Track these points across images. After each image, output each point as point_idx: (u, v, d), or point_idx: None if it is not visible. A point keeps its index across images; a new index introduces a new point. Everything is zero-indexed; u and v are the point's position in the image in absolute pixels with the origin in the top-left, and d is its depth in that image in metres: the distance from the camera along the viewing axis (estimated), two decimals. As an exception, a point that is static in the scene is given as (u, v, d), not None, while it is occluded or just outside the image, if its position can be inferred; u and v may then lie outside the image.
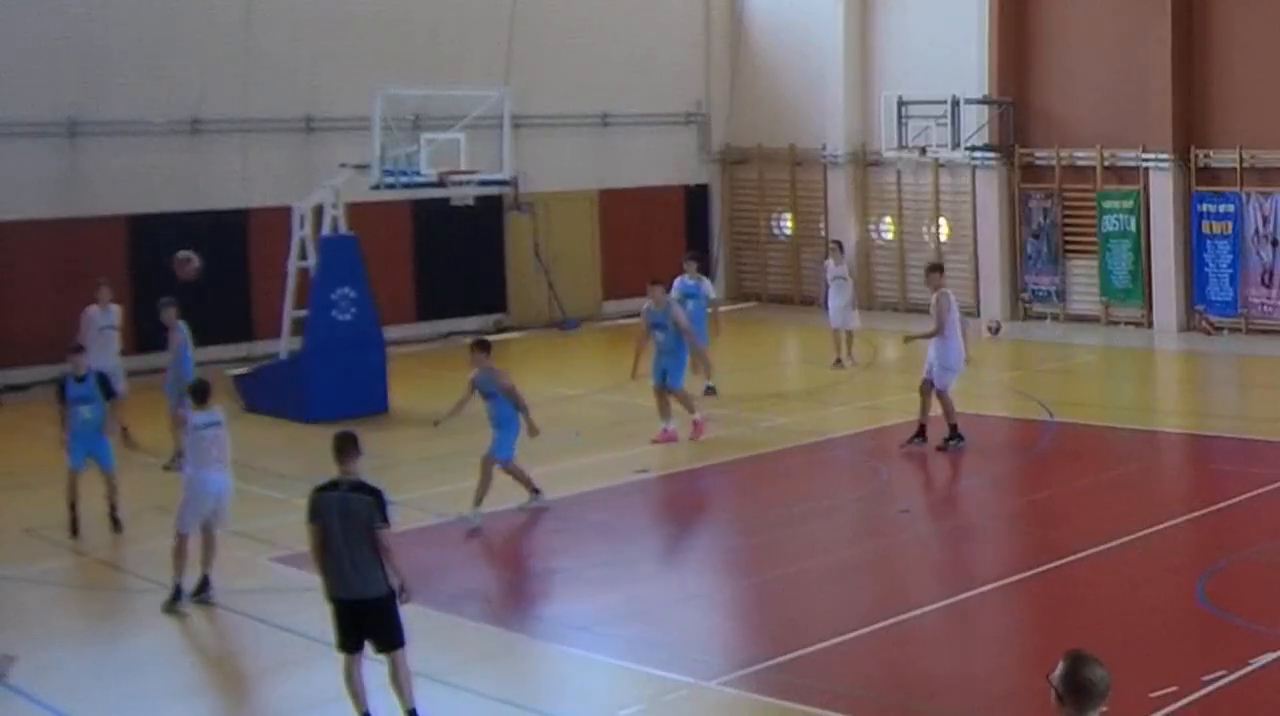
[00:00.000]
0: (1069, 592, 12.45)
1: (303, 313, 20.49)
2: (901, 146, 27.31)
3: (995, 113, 27.29)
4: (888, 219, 29.54)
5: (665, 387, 17.99)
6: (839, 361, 23.06)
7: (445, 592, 12.28)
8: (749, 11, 30.87)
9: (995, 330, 26.32)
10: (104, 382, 15.08)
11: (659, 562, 13.75)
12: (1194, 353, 24.50)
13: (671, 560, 13.79)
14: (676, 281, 20.79)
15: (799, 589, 12.74)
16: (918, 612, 11.77)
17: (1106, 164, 26.35)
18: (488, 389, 14.77)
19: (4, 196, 22.01)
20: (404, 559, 9.70)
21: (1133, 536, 13.56)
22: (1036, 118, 27.32)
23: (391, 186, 20.47)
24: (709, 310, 20.81)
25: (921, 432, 17.17)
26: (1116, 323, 26.47)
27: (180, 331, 17.69)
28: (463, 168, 21.10)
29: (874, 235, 29.73)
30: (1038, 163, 27.35)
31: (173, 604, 12.16)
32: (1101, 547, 13.22)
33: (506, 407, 14.76)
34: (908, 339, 18.17)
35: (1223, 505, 14.73)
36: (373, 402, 19.70)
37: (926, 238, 28.96)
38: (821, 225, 30.10)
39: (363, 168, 20.35)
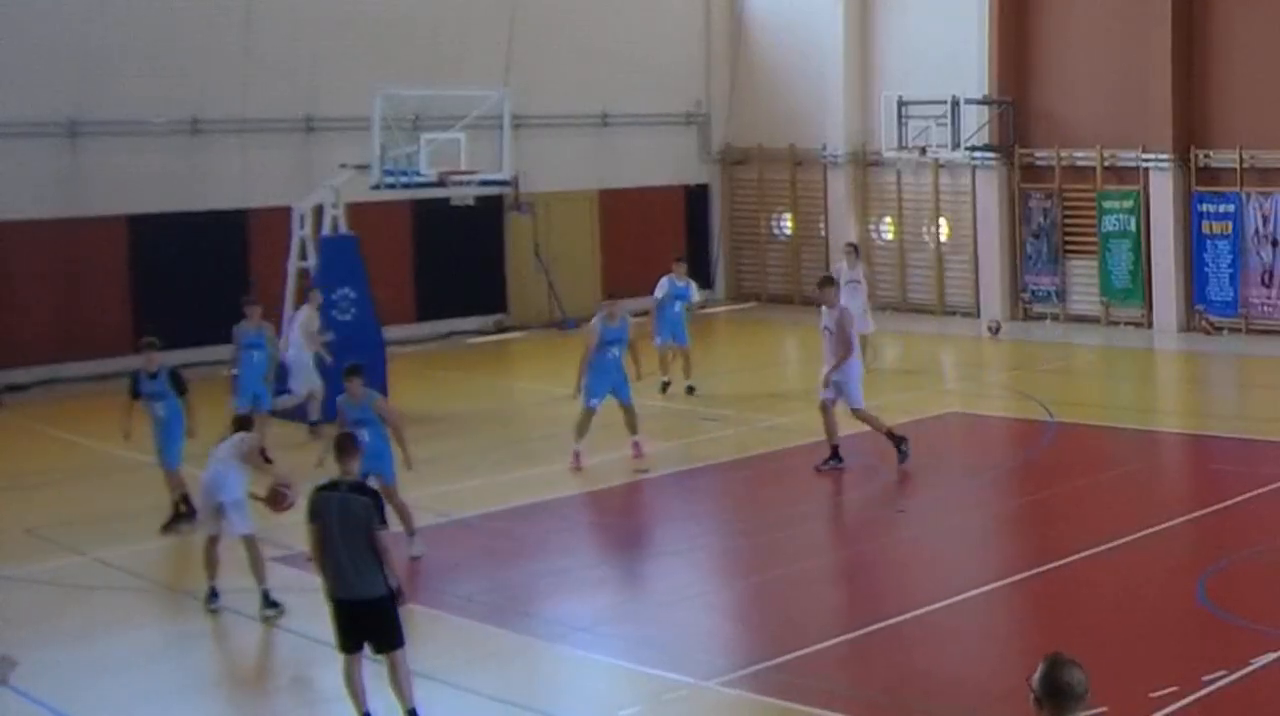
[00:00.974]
0: (1069, 592, 12.45)
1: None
2: (901, 146, 27.30)
3: (995, 113, 27.28)
4: (888, 219, 29.53)
5: (621, 403, 17.13)
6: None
7: (445, 592, 12.28)
8: (749, 11, 30.87)
9: (995, 330, 26.32)
10: (176, 379, 14.88)
11: (659, 563, 13.75)
12: (1194, 352, 24.49)
13: (671, 560, 13.79)
14: (664, 280, 20.78)
15: (799, 589, 12.74)
16: (918, 612, 11.76)
17: (1106, 164, 26.34)
18: (356, 416, 13.35)
19: (4, 196, 22.01)
20: (403, 559, 9.70)
21: (1133, 536, 13.56)
22: (1036, 118, 27.31)
23: (391, 186, 20.47)
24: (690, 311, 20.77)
25: (835, 453, 16.43)
26: (1116, 323, 26.46)
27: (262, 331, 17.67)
28: (463, 168, 21.11)
29: (874, 235, 29.72)
30: (1038, 163, 27.35)
31: (209, 604, 12.16)
32: (1101, 547, 13.22)
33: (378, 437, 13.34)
34: (826, 380, 16.43)
35: (1223, 505, 14.72)
36: (373, 403, 19.67)
37: (926, 238, 28.96)
38: (821, 225, 30.11)
39: (363, 168, 20.36)
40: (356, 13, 25.46)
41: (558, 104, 28.03)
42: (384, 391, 19.92)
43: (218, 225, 24.07)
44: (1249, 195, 24.97)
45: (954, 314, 28.19)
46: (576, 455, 16.70)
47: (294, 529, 12.42)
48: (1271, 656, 10.33)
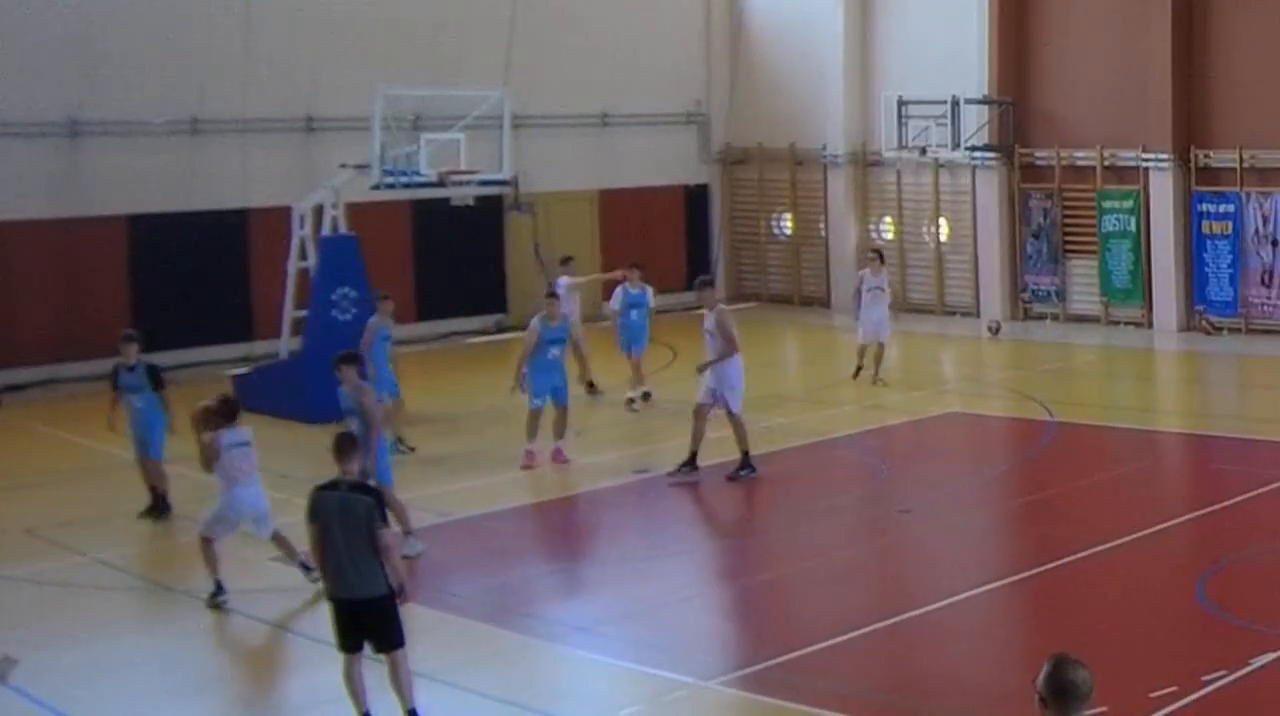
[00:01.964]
0: (1069, 592, 12.45)
1: (303, 312, 20.50)
2: (901, 146, 27.31)
3: (995, 113, 27.29)
4: (888, 219, 29.53)
5: (557, 404, 17.08)
6: (859, 371, 21.60)
7: (445, 592, 12.28)
8: (749, 11, 30.87)
9: (995, 330, 26.33)
10: (153, 374, 15.18)
11: (659, 562, 13.74)
12: (1194, 352, 24.50)
13: (671, 560, 13.78)
14: (618, 290, 20.54)
15: (799, 589, 12.74)
16: (918, 612, 11.76)
17: (1106, 164, 26.35)
18: (350, 406, 13.46)
19: (4, 196, 22.01)
20: (403, 559, 9.70)
21: (1133, 536, 13.56)
22: (1036, 118, 27.32)
23: (391, 186, 20.47)
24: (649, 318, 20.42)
25: (692, 460, 16.19)
26: (1116, 323, 26.47)
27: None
28: (463, 168, 21.10)
29: (874, 235, 29.72)
30: (1038, 163, 27.35)
31: (214, 599, 12.19)
32: (1101, 547, 13.22)
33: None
34: (701, 368, 16.26)
35: (1223, 505, 14.72)
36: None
37: (926, 238, 28.97)
38: (821, 225, 30.12)
39: (363, 168, 20.36)
40: (356, 13, 25.46)
41: (558, 104, 28.04)
42: (385, 390, 20.01)
43: (218, 225, 24.07)
44: (1249, 195, 24.98)
45: (954, 314, 28.20)
46: (529, 454, 16.81)
47: (294, 529, 12.43)
48: (1271, 656, 10.33)
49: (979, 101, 27.13)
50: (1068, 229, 26.99)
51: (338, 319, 19.84)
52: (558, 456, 17.00)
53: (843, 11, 29.07)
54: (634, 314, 20.10)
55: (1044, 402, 19.92)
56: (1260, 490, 15.03)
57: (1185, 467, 17.86)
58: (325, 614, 9.59)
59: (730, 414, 16.06)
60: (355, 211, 21.37)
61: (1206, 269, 25.49)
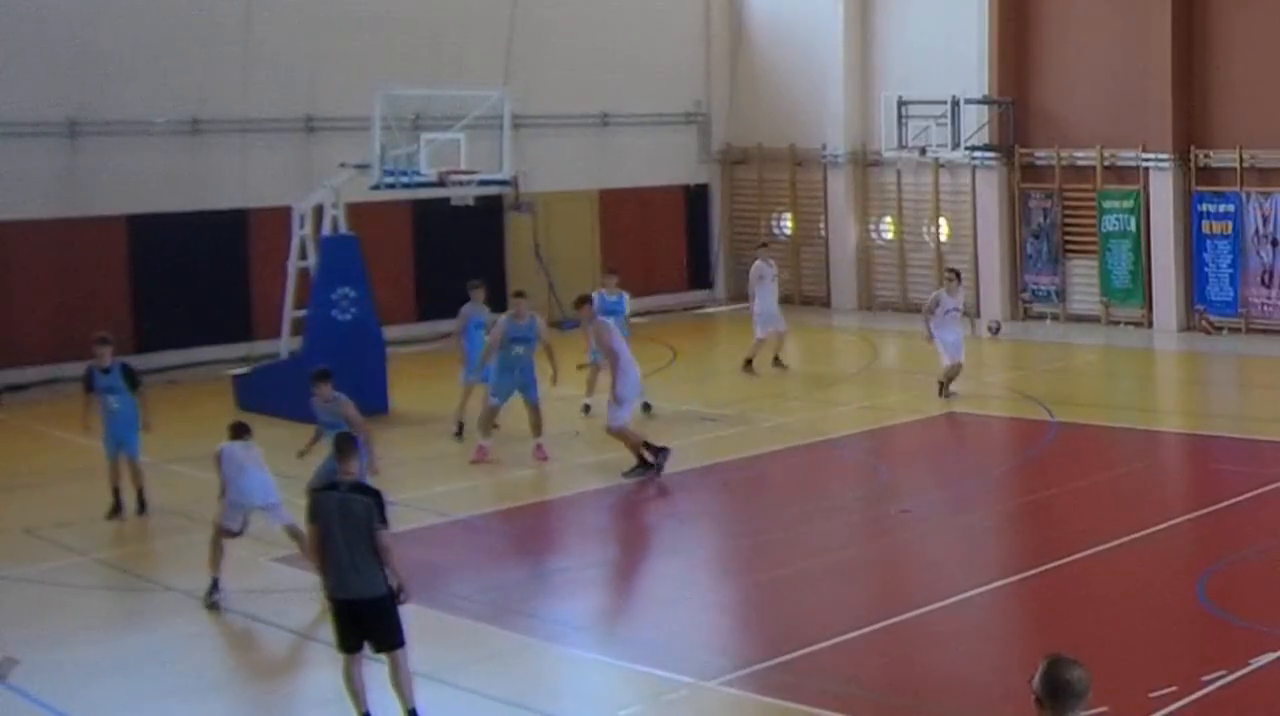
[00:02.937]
0: (1069, 592, 12.45)
1: (303, 312, 20.49)
2: (901, 146, 27.31)
3: (995, 113, 27.29)
4: (888, 219, 29.54)
5: (527, 402, 17.19)
6: (945, 390, 20.27)
7: (445, 592, 12.28)
8: (749, 11, 30.87)
9: (995, 330, 26.32)
10: (129, 374, 15.32)
11: (659, 562, 13.75)
12: (1194, 352, 24.50)
13: (671, 560, 13.79)
14: (596, 297, 19.99)
15: (799, 589, 12.74)
16: (918, 612, 11.77)
17: (1106, 164, 26.35)
18: (329, 420, 13.63)
19: (4, 196, 22.00)
20: (403, 559, 9.70)
21: (1133, 536, 13.56)
22: (1036, 118, 27.32)
23: (391, 186, 20.46)
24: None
25: (643, 461, 16.25)
26: (1116, 322, 26.47)
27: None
28: (463, 168, 21.10)
29: (874, 235, 29.74)
30: (1038, 163, 27.35)
31: (209, 597, 12.22)
32: (1101, 547, 13.22)
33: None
34: (580, 365, 16.58)
35: (1223, 505, 14.73)
36: (373, 403, 19.66)
37: (926, 237, 28.97)
38: (821, 225, 30.12)
39: (363, 168, 20.35)
40: (356, 13, 25.45)
41: (558, 104, 28.03)
42: (384, 391, 20.03)
43: (218, 225, 24.07)
44: (1249, 195, 24.98)
45: (954, 314, 28.15)
46: (481, 449, 16.99)
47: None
48: (1271, 656, 10.33)
49: (979, 101, 27.13)
50: (1068, 229, 26.99)
51: (338, 319, 19.84)
52: (538, 453, 17.04)
53: (843, 11, 29.07)
54: (610, 321, 19.60)
55: (1044, 403, 19.92)
56: (1260, 490, 15.03)
57: (1185, 467, 17.86)
58: (325, 613, 9.58)
59: (612, 430, 16.34)
60: (355, 211, 21.36)
61: (1206, 269, 25.49)
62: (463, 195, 21.45)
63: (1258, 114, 24.71)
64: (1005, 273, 27.54)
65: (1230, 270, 25.24)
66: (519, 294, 18.03)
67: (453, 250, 26.74)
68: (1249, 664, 10.20)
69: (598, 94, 28.88)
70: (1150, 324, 26.04)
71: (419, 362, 23.19)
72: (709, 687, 10.23)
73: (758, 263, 23.05)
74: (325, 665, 9.94)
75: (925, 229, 28.95)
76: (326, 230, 20.60)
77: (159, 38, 23.52)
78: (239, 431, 12.84)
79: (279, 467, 16.71)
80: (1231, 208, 25.14)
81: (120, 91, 23.16)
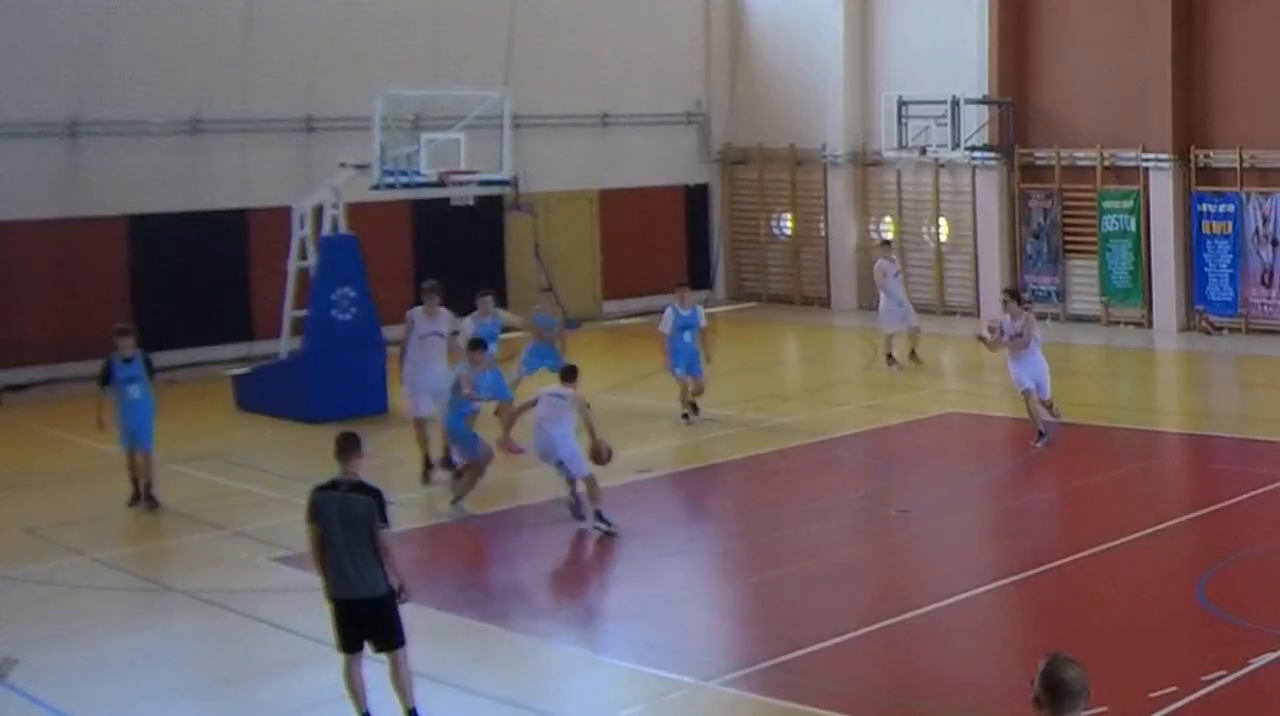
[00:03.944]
0: (1069, 592, 12.45)
1: (303, 313, 20.49)
2: (901, 146, 27.31)
3: (995, 113, 27.29)
4: (888, 219, 29.54)
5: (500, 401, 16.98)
6: (1040, 437, 17.74)
7: (445, 592, 12.28)
8: (749, 11, 30.88)
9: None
10: (149, 364, 15.45)
11: (659, 562, 13.74)
12: (1194, 352, 24.50)
13: (672, 560, 13.78)
14: (668, 311, 19.88)
15: (799, 589, 12.74)
16: (918, 612, 11.76)
17: (1106, 164, 26.35)
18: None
19: (4, 196, 22.00)
20: (404, 559, 9.70)
21: (1133, 536, 13.56)
22: (1036, 118, 27.32)
23: (391, 186, 20.45)
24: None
25: (429, 468, 16.30)
26: (1116, 322, 26.47)
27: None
28: (463, 168, 21.10)
29: (874, 235, 29.72)
30: (1038, 163, 27.36)
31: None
32: (1101, 547, 13.22)
33: None
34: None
35: (1223, 505, 14.73)
36: (373, 402, 19.70)
37: (926, 238, 28.98)
38: (821, 225, 30.13)
39: (363, 168, 20.35)
40: (356, 13, 25.45)
41: (558, 104, 28.03)
42: (384, 391, 20.03)
43: (218, 225, 24.07)
44: (1249, 195, 24.98)
45: (954, 314, 28.19)
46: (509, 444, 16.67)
47: (294, 529, 12.42)
48: (1271, 656, 10.33)
49: (979, 101, 27.13)
50: (1068, 229, 26.99)
51: (338, 319, 19.85)
52: (510, 447, 16.82)
53: (843, 11, 29.08)
54: (686, 336, 19.02)
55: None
56: (1260, 490, 15.03)
57: (1185, 467, 17.86)
58: (325, 614, 9.59)
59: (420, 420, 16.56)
60: (355, 211, 21.36)
61: (1206, 269, 25.49)
62: (463, 195, 21.45)
63: (1258, 114, 24.72)
64: (1005, 273, 27.53)
65: (1230, 270, 25.24)
66: (485, 294, 18.12)
67: (453, 250, 26.73)
68: (1249, 664, 10.20)
69: (598, 94, 28.89)
70: (1150, 324, 26.04)
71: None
72: (709, 687, 10.23)
73: (880, 261, 23.47)
74: (325, 665, 9.93)
75: (925, 229, 28.96)
76: (326, 230, 20.60)
77: (159, 38, 23.52)
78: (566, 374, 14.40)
79: (278, 467, 16.78)
80: (1231, 208, 25.14)
81: (120, 91, 23.16)
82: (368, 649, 9.50)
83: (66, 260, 22.76)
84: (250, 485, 16.26)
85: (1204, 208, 25.44)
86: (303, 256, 20.87)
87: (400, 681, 9.47)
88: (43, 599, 12.69)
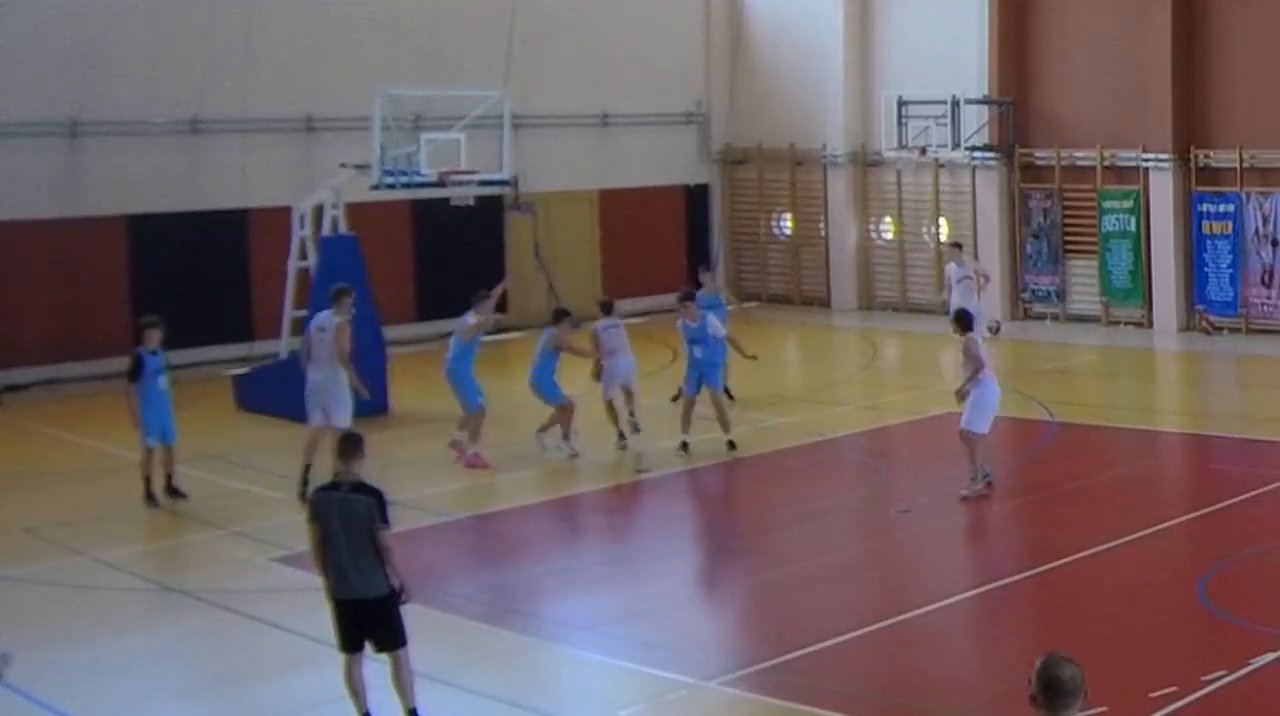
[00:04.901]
0: (1069, 592, 12.45)
1: (303, 313, 20.46)
2: (901, 146, 27.32)
3: (995, 113, 27.30)
4: (888, 219, 29.55)
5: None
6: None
7: (445, 592, 12.28)
8: (749, 11, 30.88)
9: (995, 330, 26.29)
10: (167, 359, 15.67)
11: (659, 562, 13.74)
12: (1194, 353, 24.50)
13: (672, 560, 13.79)
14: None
15: (799, 589, 12.74)
16: (918, 612, 11.76)
17: (1106, 164, 26.36)
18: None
19: (4, 196, 22.01)
20: (404, 559, 9.69)
21: (1133, 536, 13.56)
22: (1036, 118, 27.32)
23: (391, 186, 20.46)
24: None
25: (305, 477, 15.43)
26: (1116, 322, 26.47)
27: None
28: (463, 168, 21.10)
29: (874, 235, 29.74)
30: (1038, 163, 27.36)
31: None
32: (1101, 547, 13.22)
33: None
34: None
35: (1223, 505, 14.73)
36: (373, 402, 19.66)
37: (926, 238, 28.98)
38: (821, 225, 30.13)
39: (363, 168, 20.35)
40: (356, 13, 25.46)
41: (558, 104, 28.04)
42: (384, 391, 20.02)
43: (218, 225, 24.07)
44: (1249, 195, 24.98)
45: (954, 314, 28.14)
46: (474, 455, 16.78)
47: (294, 529, 12.44)
48: (1271, 656, 10.33)
49: (979, 101, 27.13)
50: (1068, 229, 27.00)
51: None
52: (473, 459, 16.90)
53: (843, 12, 29.08)
54: (696, 351, 17.72)
55: (1044, 403, 19.92)
56: (1260, 490, 15.03)
57: (1185, 467, 17.86)
58: (325, 613, 9.58)
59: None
60: (355, 211, 21.36)
61: (1206, 269, 25.49)
62: (463, 195, 21.44)
63: (1258, 114, 24.73)
64: (1005, 273, 27.54)
65: (1230, 270, 25.24)
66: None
67: (453, 250, 26.74)
68: (1249, 664, 10.20)
69: (598, 94, 28.89)
70: (1150, 324, 26.04)
71: (419, 362, 23.17)
72: (709, 687, 10.23)
73: (948, 264, 22.97)
74: (325, 665, 9.93)
75: (925, 229, 28.96)
76: (326, 230, 20.60)
77: (159, 38, 23.53)
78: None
79: (279, 467, 16.77)
80: (1231, 208, 25.15)
81: (120, 91, 23.17)
82: (368, 649, 9.49)
83: (66, 260, 22.76)
84: (250, 485, 16.26)
85: (1204, 208, 25.44)
86: (303, 256, 20.87)
87: (401, 681, 9.47)
88: (43, 599, 12.69)
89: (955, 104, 26.62)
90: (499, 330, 27.01)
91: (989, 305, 23.23)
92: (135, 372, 15.28)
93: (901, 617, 11.60)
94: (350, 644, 9.47)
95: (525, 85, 25.39)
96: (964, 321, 15.53)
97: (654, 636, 11.43)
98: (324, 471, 11.50)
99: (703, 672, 10.46)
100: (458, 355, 17.07)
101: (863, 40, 29.29)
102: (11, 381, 21.96)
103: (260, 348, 23.53)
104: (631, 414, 17.78)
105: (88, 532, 14.53)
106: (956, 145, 26.83)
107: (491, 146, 21.58)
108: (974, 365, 15.12)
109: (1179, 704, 9.54)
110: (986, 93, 27.25)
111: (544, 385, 17.36)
